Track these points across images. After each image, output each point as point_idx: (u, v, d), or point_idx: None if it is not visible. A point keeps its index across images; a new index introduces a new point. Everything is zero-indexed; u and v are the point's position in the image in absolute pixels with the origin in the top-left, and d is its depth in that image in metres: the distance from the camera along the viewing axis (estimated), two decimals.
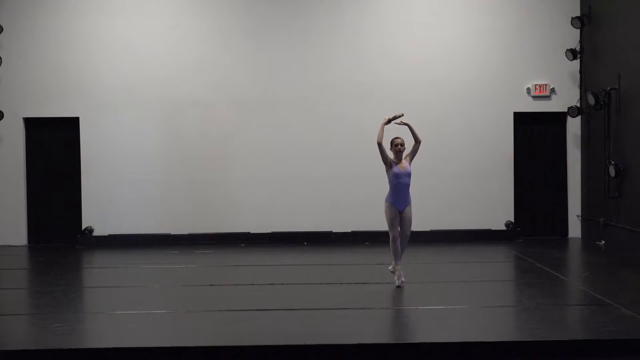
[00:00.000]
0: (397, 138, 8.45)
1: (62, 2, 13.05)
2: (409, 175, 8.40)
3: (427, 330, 6.90)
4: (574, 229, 13.27)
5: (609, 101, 11.83)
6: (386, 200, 8.46)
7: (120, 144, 13.06)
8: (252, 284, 8.94)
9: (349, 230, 13.08)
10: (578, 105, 12.89)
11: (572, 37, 12.93)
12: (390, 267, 8.70)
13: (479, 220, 13.05)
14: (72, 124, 13.15)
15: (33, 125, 13.22)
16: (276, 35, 13.12)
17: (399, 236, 8.44)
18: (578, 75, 13.02)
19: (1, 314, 7.56)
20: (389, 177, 8.43)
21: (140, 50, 13.07)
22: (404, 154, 8.50)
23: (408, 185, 8.41)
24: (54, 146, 13.28)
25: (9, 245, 12.98)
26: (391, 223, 8.40)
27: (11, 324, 7.21)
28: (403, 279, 8.56)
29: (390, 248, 8.51)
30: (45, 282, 9.51)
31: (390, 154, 8.47)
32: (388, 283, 8.80)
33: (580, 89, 12.97)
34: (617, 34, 11.70)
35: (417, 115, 12.81)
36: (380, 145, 8.31)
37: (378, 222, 12.89)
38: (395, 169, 8.33)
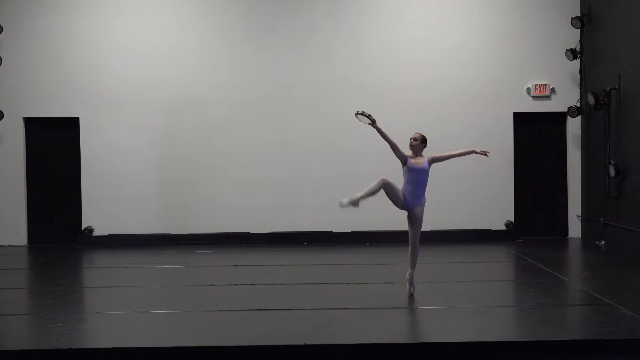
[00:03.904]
0: (415, 133, 8.14)
1: (62, 2, 13.05)
2: (423, 172, 7.96)
3: (427, 330, 6.91)
4: (574, 229, 13.27)
5: (609, 101, 11.83)
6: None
7: (120, 144, 13.07)
8: (252, 284, 8.94)
9: (349, 230, 13.08)
10: (578, 105, 12.89)
11: (572, 37, 12.94)
12: (344, 200, 7.76)
13: (479, 220, 13.05)
14: (72, 124, 13.16)
15: (33, 125, 13.22)
16: (276, 35, 13.12)
17: (388, 183, 7.78)
18: (578, 75, 13.02)
19: (1, 314, 7.55)
20: (403, 172, 8.02)
21: (140, 50, 13.07)
22: (423, 151, 8.09)
23: (421, 182, 7.97)
24: (54, 146, 13.28)
25: (9, 245, 12.98)
26: (390, 182, 7.80)
27: (11, 324, 7.21)
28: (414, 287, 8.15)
29: (373, 184, 7.79)
30: (45, 282, 9.50)
31: (409, 151, 8.09)
32: (388, 283, 8.81)
33: (580, 89, 12.97)
34: (617, 34, 11.70)
35: (417, 115, 12.95)
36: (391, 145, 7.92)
37: (378, 222, 12.98)
38: (410, 164, 7.95)
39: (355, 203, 7.71)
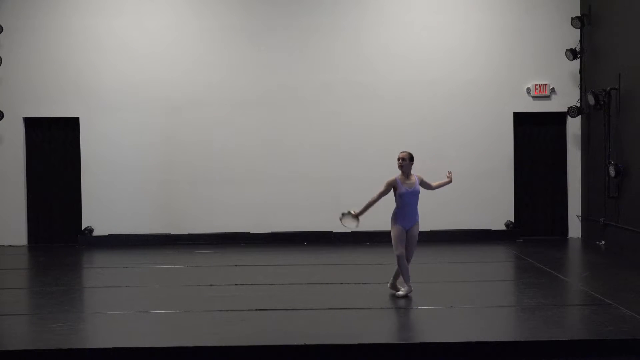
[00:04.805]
0: (401, 152, 8.01)
1: (62, 2, 13.05)
2: (415, 194, 7.93)
3: (427, 330, 6.90)
4: (574, 229, 13.27)
5: (609, 101, 11.83)
6: (393, 220, 7.95)
7: (120, 144, 13.07)
8: (252, 284, 8.94)
9: (349, 230, 13.03)
10: (578, 105, 12.89)
11: (572, 37, 12.94)
12: (400, 292, 7.95)
13: (479, 220, 13.05)
14: (72, 124, 13.16)
15: (33, 125, 13.22)
16: (276, 36, 13.12)
17: (405, 254, 7.92)
18: (578, 75, 13.02)
19: (1, 314, 7.55)
20: (395, 197, 7.95)
21: (140, 50, 13.07)
22: (411, 171, 8.00)
23: (415, 202, 7.96)
24: (54, 146, 13.28)
25: (9, 245, 12.98)
26: (397, 240, 7.87)
27: (11, 324, 7.20)
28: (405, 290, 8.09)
29: (399, 267, 7.92)
30: (45, 282, 9.50)
31: (396, 171, 8.02)
32: (387, 283, 8.79)
33: (580, 89, 12.97)
34: (617, 34, 11.70)
35: (418, 115, 12.96)
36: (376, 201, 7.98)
37: (378, 222, 12.90)
38: (402, 188, 7.87)
39: (408, 291, 7.96)
